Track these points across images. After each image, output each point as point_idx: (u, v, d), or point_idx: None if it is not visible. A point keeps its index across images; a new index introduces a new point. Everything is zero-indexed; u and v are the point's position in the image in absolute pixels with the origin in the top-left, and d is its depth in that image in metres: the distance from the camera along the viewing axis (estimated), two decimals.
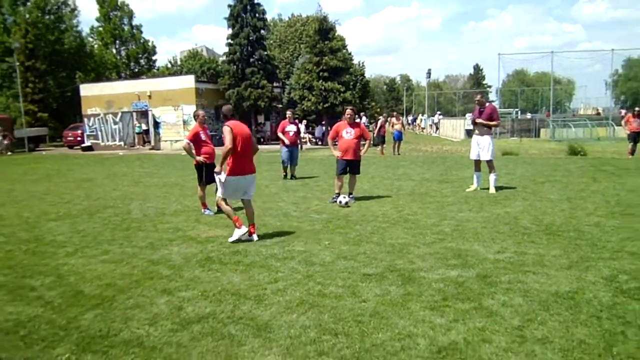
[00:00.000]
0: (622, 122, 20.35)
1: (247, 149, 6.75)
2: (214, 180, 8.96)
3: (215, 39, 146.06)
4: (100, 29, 50.65)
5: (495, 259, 5.73)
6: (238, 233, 6.69)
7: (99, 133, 34.96)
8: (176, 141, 31.44)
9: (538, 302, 4.42)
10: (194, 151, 8.86)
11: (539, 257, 5.78)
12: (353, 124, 9.94)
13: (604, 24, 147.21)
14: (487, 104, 10.96)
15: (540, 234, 6.86)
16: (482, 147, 10.69)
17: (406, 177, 13.83)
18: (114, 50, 51.50)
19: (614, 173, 13.31)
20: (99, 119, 34.85)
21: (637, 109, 19.39)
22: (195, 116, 9.11)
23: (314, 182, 13.31)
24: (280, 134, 14.11)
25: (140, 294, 4.82)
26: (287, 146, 13.91)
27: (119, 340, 3.81)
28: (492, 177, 10.65)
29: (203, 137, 8.92)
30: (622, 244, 6.27)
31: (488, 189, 10.58)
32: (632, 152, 18.45)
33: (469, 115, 40.82)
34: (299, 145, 15.66)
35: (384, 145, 23.63)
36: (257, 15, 32.29)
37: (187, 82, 32.03)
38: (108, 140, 34.61)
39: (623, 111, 21.63)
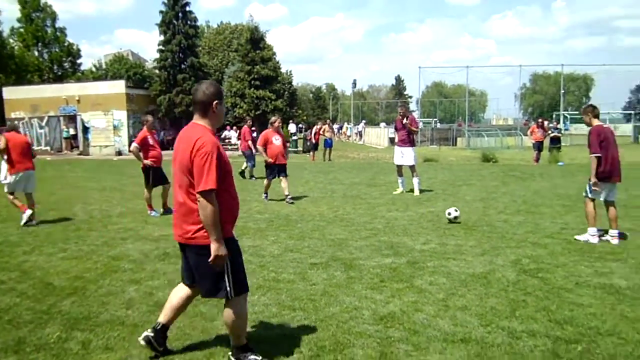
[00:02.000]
0: (528, 133, 22.46)
1: (22, 152, 8.72)
2: (160, 183, 9.35)
3: (138, 42, 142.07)
4: (22, 30, 48.17)
5: (422, 249, 6.63)
6: (24, 216, 8.46)
7: None
8: (106, 146, 30.87)
9: (458, 281, 5.31)
10: (141, 154, 9.18)
11: (458, 247, 6.74)
12: (279, 132, 11.08)
13: (513, 40, 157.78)
14: (409, 116, 12.05)
15: (459, 229, 7.86)
16: (405, 154, 11.75)
17: (337, 181, 14.70)
18: (36, 53, 49.09)
19: (521, 177, 14.90)
20: (23, 123, 33.25)
21: (539, 120, 21.57)
22: (145, 121, 9.46)
23: (251, 185, 13.86)
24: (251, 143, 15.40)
25: (110, 284, 5.24)
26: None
27: (102, 321, 4.26)
28: (415, 180, 11.72)
29: (151, 141, 9.29)
30: (525, 235, 7.40)
31: (413, 191, 11.63)
32: (537, 160, 20.47)
33: (383, 125, 42.85)
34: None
35: (316, 152, 24.54)
36: (189, 22, 32.33)
37: (118, 87, 31.41)
38: (33, 145, 32.96)
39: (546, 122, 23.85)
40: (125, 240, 7.30)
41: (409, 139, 11.76)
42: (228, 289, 3.38)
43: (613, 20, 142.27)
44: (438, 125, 53.43)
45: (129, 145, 30.47)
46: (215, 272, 3.35)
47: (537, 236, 7.34)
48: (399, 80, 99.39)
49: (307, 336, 3.97)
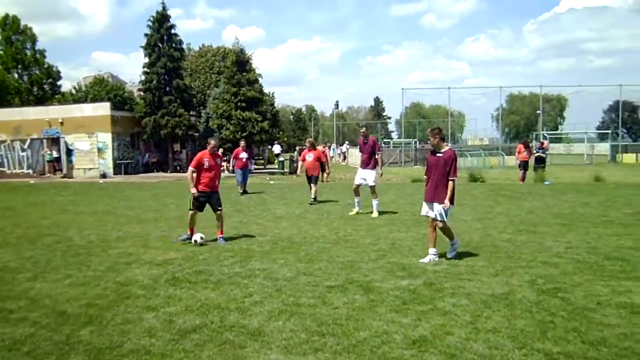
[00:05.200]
0: (515, 152, 22.83)
1: None
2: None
3: (115, 64, 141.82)
4: (1, 52, 47.49)
5: (435, 270, 6.58)
6: None
7: (5, 160, 32.72)
8: (90, 169, 30.58)
9: (480, 302, 5.27)
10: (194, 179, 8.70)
11: (470, 268, 6.71)
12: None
13: (487, 62, 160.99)
14: (370, 137, 12.06)
15: (467, 250, 7.83)
16: (366, 175, 11.80)
17: (331, 202, 14.60)
18: (16, 75, 48.38)
19: (512, 197, 15.04)
20: (5, 146, 32.63)
21: (526, 140, 21.93)
22: (207, 144, 9.08)
23: (246, 208, 13.70)
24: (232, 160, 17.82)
25: (125, 312, 5.06)
26: (240, 169, 17.45)
27: (126, 350, 4.09)
28: (374, 202, 11.77)
29: (206, 165, 8.78)
30: (533, 255, 7.41)
31: (371, 213, 11.68)
32: (523, 179, 20.74)
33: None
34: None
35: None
36: (174, 45, 32.25)
37: (103, 109, 31.09)
38: (15, 168, 32.49)
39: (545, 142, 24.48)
40: (130, 265, 7.10)
41: (369, 161, 11.76)
42: None
43: (582, 42, 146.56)
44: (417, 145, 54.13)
45: (114, 167, 30.14)
46: None
47: (544, 255, 7.36)
48: (377, 101, 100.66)
49: None
